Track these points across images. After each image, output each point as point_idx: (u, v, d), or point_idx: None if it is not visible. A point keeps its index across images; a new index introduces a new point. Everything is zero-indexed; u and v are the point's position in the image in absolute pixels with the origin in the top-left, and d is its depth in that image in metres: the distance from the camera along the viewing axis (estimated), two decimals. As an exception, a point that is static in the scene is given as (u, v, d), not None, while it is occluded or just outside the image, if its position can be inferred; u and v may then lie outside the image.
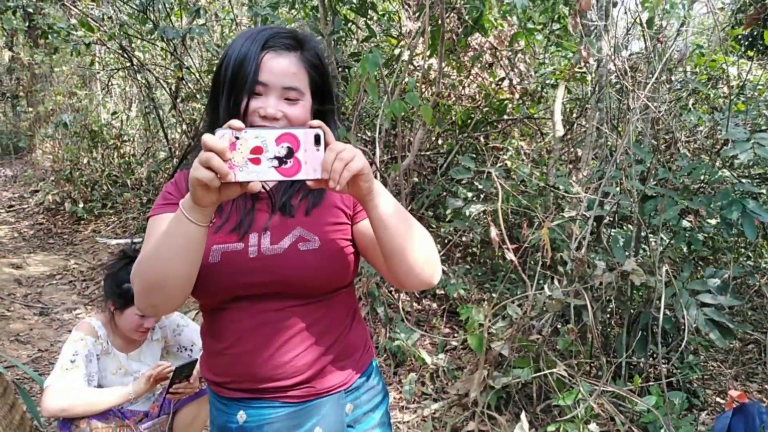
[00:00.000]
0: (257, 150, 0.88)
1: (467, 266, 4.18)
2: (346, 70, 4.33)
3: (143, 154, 7.80)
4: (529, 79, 4.69)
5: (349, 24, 4.58)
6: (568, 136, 4.03)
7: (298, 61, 1.12)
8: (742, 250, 3.72)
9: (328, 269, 1.12)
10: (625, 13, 3.12)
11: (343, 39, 4.53)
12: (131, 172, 7.45)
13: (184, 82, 6.33)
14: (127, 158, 7.52)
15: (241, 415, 1.13)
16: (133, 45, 6.34)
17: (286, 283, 1.10)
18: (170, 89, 6.53)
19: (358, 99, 3.81)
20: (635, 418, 2.64)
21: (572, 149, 4.00)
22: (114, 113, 7.99)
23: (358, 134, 4.41)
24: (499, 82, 4.57)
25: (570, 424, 2.47)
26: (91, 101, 8.03)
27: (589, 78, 3.59)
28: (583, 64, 3.01)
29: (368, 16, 4.56)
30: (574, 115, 4.47)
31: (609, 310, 2.89)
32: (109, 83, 8.22)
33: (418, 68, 4.51)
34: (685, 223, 3.15)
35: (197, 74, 6.14)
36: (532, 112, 4.59)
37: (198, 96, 6.26)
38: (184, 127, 6.50)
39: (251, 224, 1.12)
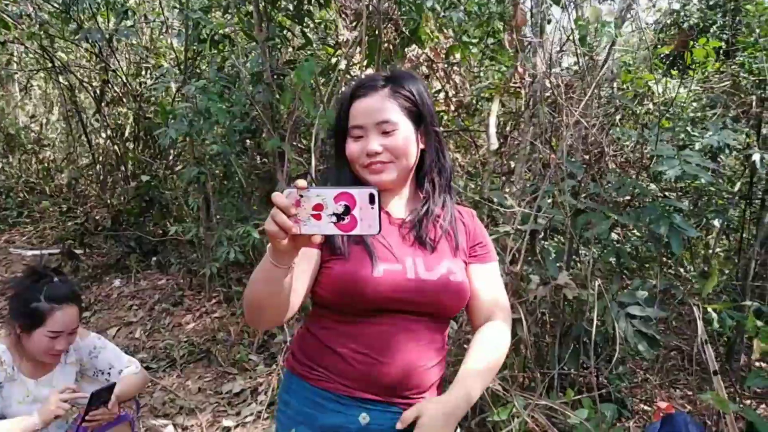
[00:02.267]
0: (318, 207, 0.97)
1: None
2: (282, 78, 4.23)
3: (64, 160, 7.37)
4: (465, 92, 4.73)
5: (285, 31, 4.49)
6: (503, 150, 4.09)
7: (386, 96, 1.28)
8: (665, 260, 3.86)
9: (464, 300, 1.32)
10: (559, 30, 3.19)
11: (278, 46, 4.42)
12: (50, 179, 7.02)
13: (109, 86, 6.03)
14: (46, 164, 7.10)
15: (364, 417, 1.25)
16: (55, 45, 5.99)
17: (436, 305, 1.28)
18: (94, 92, 6.20)
19: (293, 107, 3.72)
20: (568, 431, 2.67)
21: (506, 162, 4.05)
22: (33, 116, 7.52)
23: (294, 143, 4.31)
24: (435, 94, 4.60)
25: (506, 438, 2.46)
26: (7, 103, 7.53)
27: (523, 93, 3.65)
28: (519, 79, 3.04)
29: (304, 24, 4.48)
30: (508, 129, 4.54)
31: (542, 322, 2.92)
32: (28, 84, 7.74)
33: (355, 78, 4.48)
34: (613, 236, 3.24)
35: (124, 77, 5.86)
36: (467, 125, 4.64)
37: (124, 100, 5.98)
38: (109, 132, 6.19)
39: (406, 251, 1.30)
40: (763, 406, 3.59)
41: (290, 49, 5.03)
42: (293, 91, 3.44)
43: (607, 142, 3.51)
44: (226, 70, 4.67)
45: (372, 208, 0.98)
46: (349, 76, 4.34)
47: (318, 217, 0.98)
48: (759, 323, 2.19)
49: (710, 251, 4.84)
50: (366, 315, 1.25)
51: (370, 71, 4.25)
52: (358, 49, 3.88)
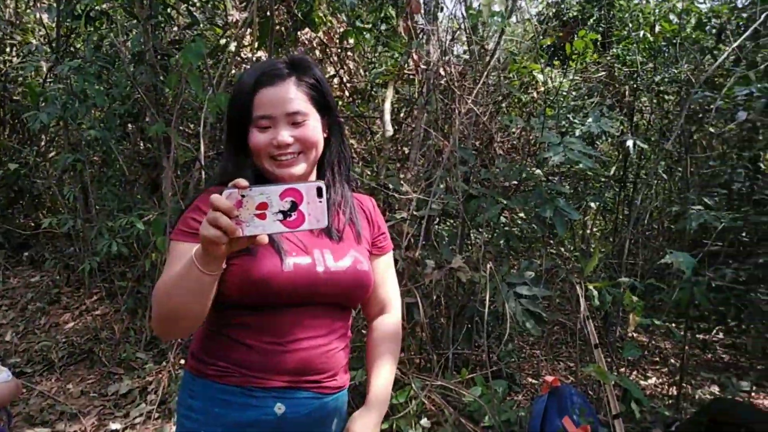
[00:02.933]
0: (262, 206, 0.94)
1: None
2: (166, 59, 3.99)
3: None
4: (359, 78, 4.72)
5: (169, 9, 4.23)
6: (397, 136, 4.12)
7: (293, 85, 1.23)
8: (549, 242, 4.08)
9: (369, 289, 1.32)
10: (450, 19, 3.24)
11: (162, 25, 4.16)
12: None
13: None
14: None
15: (279, 407, 1.22)
16: None
17: (345, 296, 1.28)
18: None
19: (179, 90, 3.52)
20: (463, 408, 2.76)
21: (401, 149, 4.09)
22: None
23: (180, 128, 4.09)
24: (329, 80, 4.54)
25: (402, 420, 2.50)
26: None
27: (416, 80, 3.69)
28: (413, 66, 3.06)
29: (190, 2, 4.24)
30: (402, 116, 4.58)
31: (437, 305, 2.99)
32: None
33: (246, 61, 4.31)
34: (502, 219, 3.38)
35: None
36: (362, 111, 4.63)
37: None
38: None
39: (313, 242, 1.28)
40: (635, 373, 3.92)
41: (175, 29, 4.76)
42: (179, 73, 3.25)
43: (496, 129, 3.65)
44: (104, 50, 4.34)
45: (320, 201, 0.97)
46: (239, 59, 4.17)
47: (262, 217, 0.95)
48: (635, 298, 2.36)
49: (588, 232, 5.21)
50: (274, 308, 1.23)
51: (261, 54, 4.11)
52: (249, 30, 3.73)
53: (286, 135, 1.21)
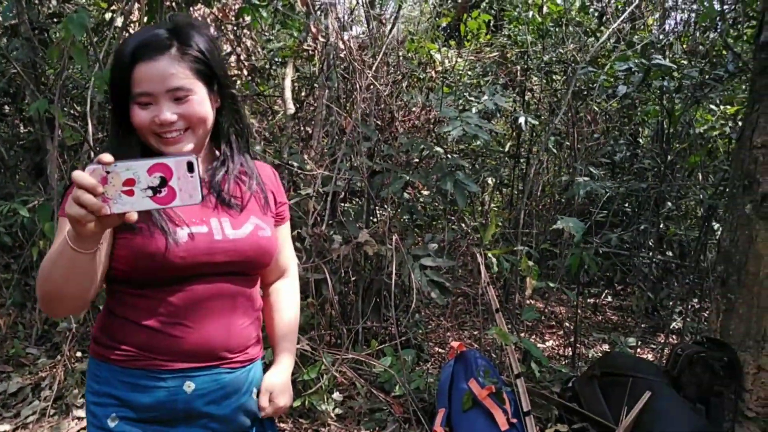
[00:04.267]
0: (129, 182, 0.90)
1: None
2: (44, 33, 3.69)
3: None
4: (257, 56, 4.60)
5: (45, -21, 3.91)
6: (300, 114, 4.07)
7: (174, 58, 1.15)
8: (451, 215, 4.22)
9: (272, 255, 1.30)
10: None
11: (38, -5, 3.84)
12: None
13: None
14: None
15: (189, 385, 1.20)
16: None
17: (246, 263, 1.25)
18: None
19: (62, 66, 3.27)
20: (374, 380, 2.82)
21: (303, 127, 4.05)
22: None
23: (65, 108, 3.81)
24: (226, 57, 4.39)
25: (315, 396, 2.52)
26: None
27: (316, 57, 3.65)
28: (312, 41, 3.03)
29: (69, -28, 3.94)
30: (304, 94, 4.53)
31: (345, 280, 3.01)
32: None
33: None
34: (406, 195, 3.45)
35: None
36: (262, 90, 4.53)
37: None
38: None
39: (210, 213, 1.24)
40: (534, 336, 4.17)
41: (53, 2, 4.40)
42: (60, 48, 3.01)
43: (397, 106, 3.70)
44: (-30, 22, 3.94)
45: (191, 176, 0.93)
46: (127, 34, 3.93)
47: (130, 193, 0.91)
48: (530, 263, 2.50)
49: (486, 207, 5.43)
50: (173, 283, 1.19)
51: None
52: (137, 4, 3.52)
53: (168, 113, 1.14)
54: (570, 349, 3.82)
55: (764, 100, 2.31)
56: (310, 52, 3.37)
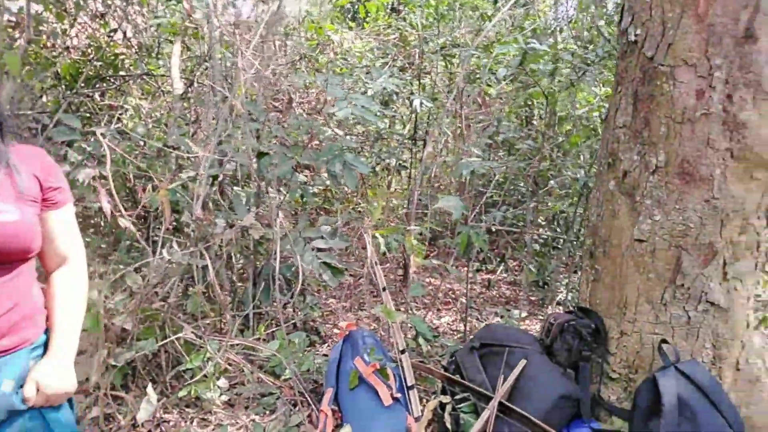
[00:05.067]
0: None
1: (88, 238, 3.77)
2: None
3: None
4: (145, 33, 4.38)
5: None
6: (189, 95, 3.93)
7: None
8: (351, 198, 4.25)
9: (23, 239, 1.26)
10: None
11: None
12: None
13: None
14: None
15: None
16: None
17: None
18: None
19: None
20: (264, 365, 2.80)
21: (192, 107, 3.91)
22: None
23: None
24: (110, 34, 4.15)
25: (201, 384, 2.47)
26: None
27: (204, 35, 3.52)
28: (188, 16, 2.92)
29: None
30: (195, 73, 4.37)
31: (235, 266, 2.96)
32: None
33: (4, 9, 3.75)
34: (302, 178, 3.42)
35: None
36: (151, 69, 4.32)
37: None
38: None
39: None
40: (431, 313, 4.29)
41: None
42: None
43: (292, 88, 3.65)
44: None
45: None
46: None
47: None
48: (414, 242, 2.56)
49: (392, 188, 5.50)
50: None
51: (22, 3, 3.61)
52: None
53: None
54: (463, 323, 3.97)
55: (625, 82, 2.48)
56: (194, 30, 3.25)
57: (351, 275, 4.11)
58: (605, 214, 2.59)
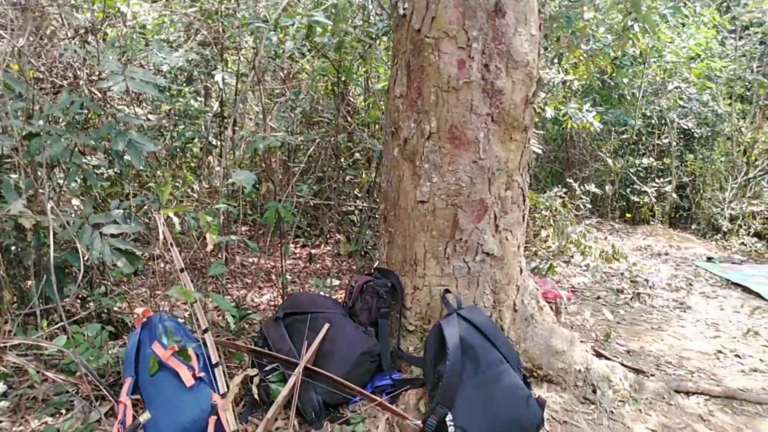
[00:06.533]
0: None
1: None
2: None
3: None
4: None
5: None
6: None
7: None
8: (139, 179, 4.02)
9: None
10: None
11: None
12: None
13: None
14: None
15: None
16: None
17: None
18: None
19: None
20: (56, 363, 2.60)
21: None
22: None
23: None
24: None
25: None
26: None
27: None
28: None
29: None
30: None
31: (9, 259, 2.69)
32: None
33: None
34: (94, 160, 3.17)
35: None
36: None
37: None
38: None
39: None
40: (253, 292, 4.27)
41: None
42: None
43: (71, 63, 3.35)
44: None
45: None
46: None
47: None
48: (209, 218, 2.52)
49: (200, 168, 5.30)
50: None
51: None
52: None
53: None
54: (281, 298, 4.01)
55: (399, 54, 2.64)
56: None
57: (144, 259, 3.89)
58: (393, 179, 2.76)
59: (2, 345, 2.19)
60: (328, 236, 5.64)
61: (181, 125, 4.39)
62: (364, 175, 4.82)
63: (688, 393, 3.10)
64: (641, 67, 8.13)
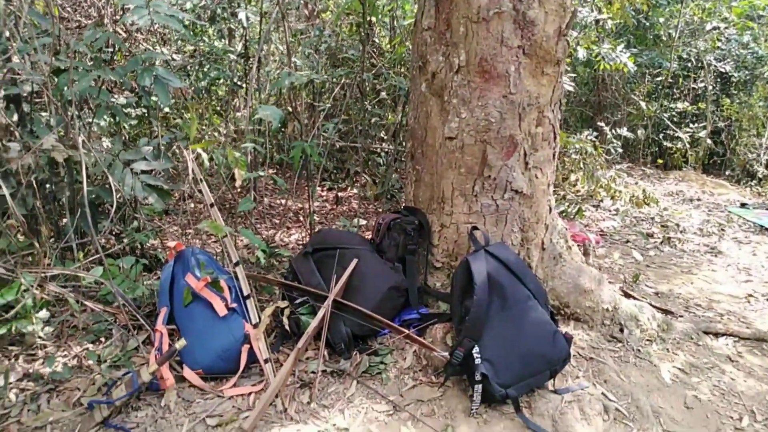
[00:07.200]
0: None
1: None
2: None
3: None
4: None
5: None
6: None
7: None
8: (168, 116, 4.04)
9: None
10: None
11: None
12: None
13: None
14: None
15: None
16: None
17: None
18: None
19: None
20: (94, 294, 2.69)
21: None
22: None
23: None
24: None
25: (22, 320, 2.33)
26: None
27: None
28: None
29: None
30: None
31: (43, 194, 2.75)
32: None
33: None
34: (121, 99, 3.19)
35: None
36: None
37: None
38: None
39: None
40: (282, 231, 4.32)
41: None
42: None
43: (95, 1, 3.32)
44: None
45: None
46: None
47: None
48: (237, 154, 2.53)
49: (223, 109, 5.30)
50: None
51: None
52: None
53: None
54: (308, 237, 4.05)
55: (428, -16, 2.55)
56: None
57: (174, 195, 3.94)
58: (420, 116, 2.72)
59: (43, 275, 2.26)
60: (354, 179, 5.63)
61: (206, 66, 4.36)
62: (390, 117, 4.76)
63: (717, 334, 3.08)
64: (678, 6, 7.77)
